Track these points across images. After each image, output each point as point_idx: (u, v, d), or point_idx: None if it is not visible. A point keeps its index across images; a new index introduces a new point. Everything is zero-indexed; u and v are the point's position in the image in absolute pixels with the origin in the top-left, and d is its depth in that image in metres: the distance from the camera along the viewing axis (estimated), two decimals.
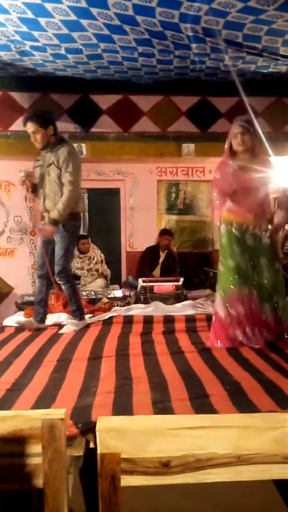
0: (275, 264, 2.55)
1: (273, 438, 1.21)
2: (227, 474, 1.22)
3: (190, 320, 3.13)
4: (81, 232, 5.45)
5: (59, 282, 2.99)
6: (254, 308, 2.47)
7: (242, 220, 2.51)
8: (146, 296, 3.93)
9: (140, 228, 5.30)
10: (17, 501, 1.38)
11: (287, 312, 2.53)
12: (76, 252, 4.89)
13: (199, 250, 5.48)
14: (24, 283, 4.82)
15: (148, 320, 3.12)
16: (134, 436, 1.20)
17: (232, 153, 2.56)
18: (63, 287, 3.02)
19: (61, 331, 2.92)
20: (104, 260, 4.96)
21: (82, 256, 4.81)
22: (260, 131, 3.97)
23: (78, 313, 3.04)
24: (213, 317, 2.55)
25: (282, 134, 4.48)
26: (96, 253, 4.89)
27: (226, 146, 2.58)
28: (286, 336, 2.49)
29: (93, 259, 4.85)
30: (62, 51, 3.42)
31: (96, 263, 4.85)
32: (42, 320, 3.09)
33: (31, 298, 3.80)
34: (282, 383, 1.79)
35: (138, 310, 3.49)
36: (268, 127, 4.38)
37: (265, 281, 2.50)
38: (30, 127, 2.84)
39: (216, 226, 2.65)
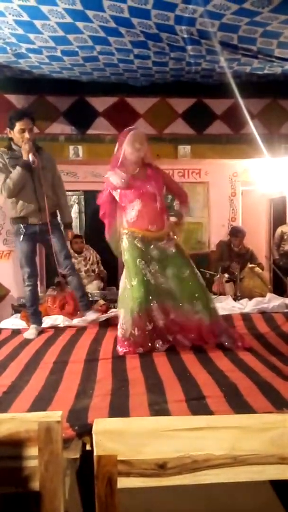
0: (183, 271, 2.50)
1: (269, 439, 1.21)
2: (223, 475, 1.22)
3: None
4: (77, 233, 5.48)
5: (70, 276, 3.12)
6: (174, 317, 2.44)
7: (145, 232, 2.48)
8: None
9: None
10: (14, 504, 1.37)
11: (207, 313, 2.47)
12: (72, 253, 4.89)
13: (195, 251, 5.49)
14: (20, 285, 4.80)
15: None
16: (130, 438, 1.20)
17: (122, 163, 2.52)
18: (73, 279, 3.13)
19: (84, 323, 3.09)
20: (100, 261, 4.96)
21: (78, 257, 4.81)
22: (255, 133, 4.01)
23: (89, 304, 3.19)
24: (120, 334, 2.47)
25: (277, 136, 4.50)
26: (91, 254, 4.89)
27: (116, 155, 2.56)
28: (219, 339, 2.44)
29: (89, 260, 4.85)
30: (58, 53, 3.43)
31: (92, 264, 4.86)
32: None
33: None
34: (278, 384, 1.80)
35: None
36: (264, 129, 4.40)
37: (180, 290, 2.46)
38: (27, 124, 2.83)
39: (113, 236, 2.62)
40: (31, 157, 2.79)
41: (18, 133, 2.83)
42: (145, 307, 2.42)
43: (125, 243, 2.51)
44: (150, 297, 2.43)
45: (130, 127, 2.64)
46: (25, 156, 2.80)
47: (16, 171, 2.81)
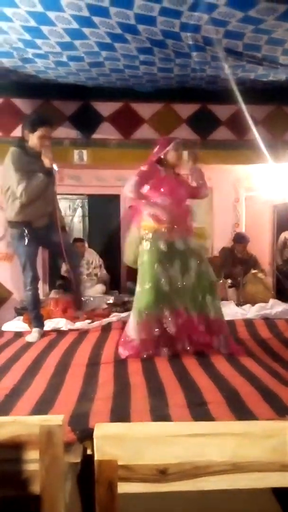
0: (202, 264, 2.54)
1: (271, 446, 1.20)
2: (224, 482, 1.22)
3: None
4: (80, 237, 5.49)
5: (79, 276, 3.26)
6: (186, 319, 2.45)
7: (170, 229, 2.51)
8: None
9: None
10: (15, 508, 1.37)
11: (214, 308, 2.50)
12: None
13: None
14: (23, 288, 4.82)
15: None
16: (131, 443, 1.20)
17: (162, 163, 2.63)
18: (79, 277, 3.24)
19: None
20: (102, 265, 4.97)
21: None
22: (259, 139, 4.02)
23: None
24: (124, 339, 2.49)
25: (281, 142, 4.51)
26: (94, 257, 4.90)
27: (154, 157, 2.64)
28: (218, 337, 2.46)
29: (92, 263, 4.86)
30: (64, 59, 3.46)
31: (94, 268, 4.86)
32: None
33: None
34: (280, 391, 1.79)
35: None
36: (268, 135, 4.41)
37: (197, 283, 2.50)
38: (49, 131, 2.90)
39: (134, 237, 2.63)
40: (55, 167, 2.83)
41: (38, 138, 2.81)
42: (155, 312, 2.41)
43: (146, 245, 2.51)
44: (161, 303, 2.42)
45: (174, 137, 2.83)
46: (48, 164, 2.79)
47: (39, 179, 2.79)
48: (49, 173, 2.82)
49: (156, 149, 2.66)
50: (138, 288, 2.51)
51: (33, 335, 2.89)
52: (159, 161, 2.62)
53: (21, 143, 2.88)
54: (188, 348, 2.44)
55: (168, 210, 2.49)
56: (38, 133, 2.81)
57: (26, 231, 2.88)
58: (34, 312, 3.03)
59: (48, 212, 2.94)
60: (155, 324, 2.42)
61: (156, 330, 2.42)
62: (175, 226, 2.51)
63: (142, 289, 2.46)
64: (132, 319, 2.48)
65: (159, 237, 2.48)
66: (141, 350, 2.39)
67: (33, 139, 2.83)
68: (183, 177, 2.76)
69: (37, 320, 3.02)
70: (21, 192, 2.74)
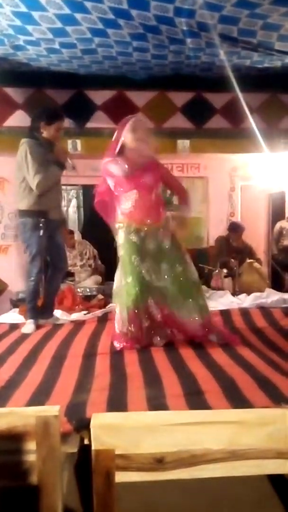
0: (176, 267, 2.45)
1: (267, 433, 1.21)
2: (221, 470, 1.23)
3: None
4: (75, 227, 5.47)
5: (60, 281, 3.18)
6: (167, 314, 2.43)
7: (141, 224, 2.42)
8: None
9: None
10: (12, 499, 1.38)
11: (198, 312, 2.44)
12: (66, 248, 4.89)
13: (194, 246, 5.48)
14: (19, 280, 4.79)
15: None
16: (128, 432, 1.20)
17: (120, 152, 2.46)
18: (59, 282, 3.17)
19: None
20: (97, 256, 4.95)
21: (72, 251, 4.80)
22: (255, 127, 3.99)
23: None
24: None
25: (276, 130, 4.48)
26: (88, 248, 4.88)
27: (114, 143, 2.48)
28: (210, 334, 2.43)
29: (86, 254, 4.84)
30: (56, 46, 3.40)
31: (88, 259, 4.84)
32: None
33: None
34: (276, 379, 1.80)
35: None
36: (263, 123, 4.38)
37: (172, 287, 2.43)
38: (63, 125, 2.96)
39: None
40: (70, 162, 2.91)
41: (55, 130, 2.87)
42: (141, 304, 2.39)
43: (120, 238, 2.48)
44: (146, 294, 2.40)
45: (131, 116, 2.58)
46: (64, 158, 2.90)
47: (55, 172, 2.87)
48: (61, 165, 2.90)
49: (114, 137, 2.49)
50: (121, 282, 2.46)
51: (29, 326, 2.88)
52: (122, 148, 2.43)
53: (35, 134, 2.88)
54: (180, 336, 2.46)
55: (136, 205, 2.41)
56: (55, 125, 2.88)
57: (42, 221, 2.89)
58: (32, 303, 3.01)
59: (60, 204, 3.01)
60: (143, 315, 2.40)
61: (144, 321, 2.40)
62: (146, 220, 2.43)
63: (125, 283, 2.43)
64: (119, 313, 2.45)
65: (131, 230, 2.43)
66: (133, 342, 2.38)
67: (50, 131, 2.87)
68: (153, 160, 2.48)
69: (34, 311, 3.01)
70: (38, 182, 2.79)
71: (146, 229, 2.44)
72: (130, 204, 2.43)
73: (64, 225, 3.22)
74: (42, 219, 2.88)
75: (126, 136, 2.42)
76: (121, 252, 2.48)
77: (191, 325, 2.44)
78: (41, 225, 2.88)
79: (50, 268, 3.08)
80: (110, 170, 2.44)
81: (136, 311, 2.39)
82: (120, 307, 2.46)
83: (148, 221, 2.45)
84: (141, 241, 2.43)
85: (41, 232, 2.89)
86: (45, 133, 2.86)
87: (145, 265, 2.41)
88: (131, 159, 2.43)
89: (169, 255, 2.46)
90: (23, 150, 2.81)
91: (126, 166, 2.41)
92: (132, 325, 2.39)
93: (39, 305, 3.09)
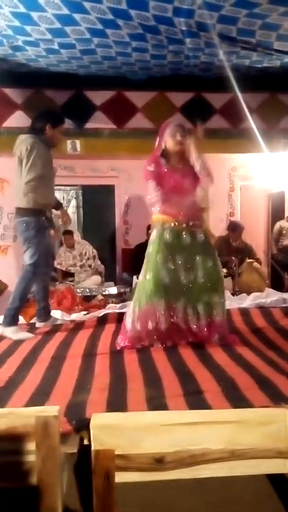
0: (208, 261, 2.46)
1: (266, 433, 1.21)
2: (221, 470, 1.23)
3: None
4: (75, 227, 5.46)
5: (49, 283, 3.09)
6: (179, 320, 2.42)
7: (176, 221, 2.45)
8: None
9: (135, 225, 5.29)
10: (12, 499, 1.37)
11: (219, 309, 2.45)
12: (65, 248, 4.89)
13: None
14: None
15: None
16: (128, 432, 1.20)
17: (165, 153, 2.52)
18: (49, 284, 3.08)
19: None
20: (96, 256, 4.96)
21: (71, 251, 4.81)
22: (254, 127, 3.99)
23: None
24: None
25: (276, 131, 4.48)
26: (87, 248, 4.88)
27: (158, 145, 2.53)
28: (216, 337, 2.41)
29: (85, 254, 4.84)
30: (55, 46, 3.40)
31: (88, 259, 4.85)
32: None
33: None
34: (276, 379, 1.80)
35: None
36: (262, 123, 4.38)
37: (201, 280, 2.43)
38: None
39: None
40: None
41: (58, 133, 2.88)
42: (152, 303, 2.39)
43: (153, 235, 2.50)
44: (160, 295, 2.40)
45: (169, 120, 2.63)
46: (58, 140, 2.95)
47: (55, 170, 2.96)
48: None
49: (156, 141, 2.56)
50: (140, 279, 2.51)
51: (24, 334, 2.72)
52: (163, 152, 2.51)
53: (40, 134, 2.82)
54: (181, 342, 2.44)
55: (173, 205, 2.45)
56: (60, 129, 2.89)
57: (45, 221, 2.83)
58: (21, 308, 2.85)
59: (53, 202, 2.94)
60: (151, 317, 2.40)
61: (150, 323, 2.40)
62: (183, 220, 2.46)
63: (144, 280, 2.46)
64: (131, 309, 2.47)
65: (165, 229, 2.46)
66: (135, 342, 2.39)
67: (56, 134, 2.88)
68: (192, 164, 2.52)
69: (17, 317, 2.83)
70: (31, 178, 2.71)
71: (181, 225, 2.46)
72: (168, 204, 2.46)
73: (53, 224, 3.10)
74: (45, 218, 2.82)
75: (168, 141, 2.49)
76: (150, 249, 2.50)
77: (208, 323, 2.44)
78: (46, 224, 2.82)
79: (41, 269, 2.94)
80: (151, 171, 2.48)
81: (147, 309, 2.40)
82: (133, 302, 2.49)
83: (184, 218, 2.47)
84: (175, 237, 2.45)
85: (47, 233, 2.84)
86: (49, 135, 2.83)
87: (167, 266, 2.42)
88: (174, 162, 2.51)
89: (202, 248, 2.48)
90: (25, 145, 2.73)
91: (165, 169, 2.48)
92: (139, 323, 2.39)
93: (34, 309, 3.04)
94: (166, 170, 2.48)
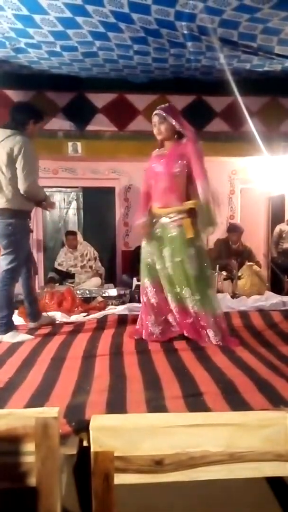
0: (177, 255, 2.44)
1: (265, 435, 1.21)
2: (220, 472, 1.23)
3: None
4: (75, 229, 5.47)
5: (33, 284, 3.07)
6: (160, 299, 2.55)
7: (156, 210, 2.52)
8: None
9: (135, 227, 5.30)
10: (11, 500, 1.37)
11: (202, 306, 2.45)
12: (67, 249, 4.89)
13: None
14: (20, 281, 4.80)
15: None
16: (127, 434, 1.20)
17: (161, 144, 2.59)
18: (33, 285, 3.07)
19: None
20: (97, 257, 4.96)
21: (73, 252, 4.81)
22: (255, 131, 4.00)
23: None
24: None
25: (276, 134, 4.49)
26: (89, 250, 4.89)
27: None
28: (205, 332, 2.46)
29: (86, 256, 4.85)
30: (57, 49, 3.41)
31: (89, 260, 4.85)
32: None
33: None
34: (275, 381, 1.80)
35: (133, 309, 3.49)
36: (263, 126, 4.39)
37: (170, 273, 2.49)
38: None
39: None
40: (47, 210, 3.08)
41: (37, 129, 2.86)
42: (143, 284, 2.62)
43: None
44: (146, 275, 2.59)
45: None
46: (51, 206, 2.97)
47: (42, 193, 2.86)
48: (43, 201, 2.89)
49: None
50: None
51: (27, 336, 2.72)
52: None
53: (22, 130, 2.75)
54: (178, 329, 2.55)
55: (154, 195, 2.52)
56: (39, 125, 2.88)
57: (30, 223, 2.83)
58: (10, 312, 2.77)
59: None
60: (143, 291, 2.62)
61: (142, 298, 2.61)
62: (159, 206, 2.51)
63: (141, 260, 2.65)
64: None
65: (152, 219, 2.55)
66: (140, 334, 2.61)
67: (35, 129, 2.85)
68: (179, 145, 2.48)
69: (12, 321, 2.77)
70: (29, 184, 2.66)
71: (158, 214, 2.51)
72: (153, 192, 2.54)
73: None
74: (29, 220, 2.80)
75: (153, 128, 2.55)
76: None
77: (182, 313, 2.51)
78: (30, 226, 2.81)
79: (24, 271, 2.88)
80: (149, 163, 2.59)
81: (144, 285, 2.60)
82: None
83: (160, 206, 2.50)
84: (154, 230, 2.54)
85: (30, 236, 2.81)
86: (29, 130, 2.78)
87: (153, 253, 2.54)
88: (159, 151, 2.58)
89: (174, 242, 2.47)
90: (18, 145, 2.63)
91: (158, 151, 2.57)
92: (142, 316, 2.61)
93: (25, 311, 3.03)
94: (152, 158, 2.57)
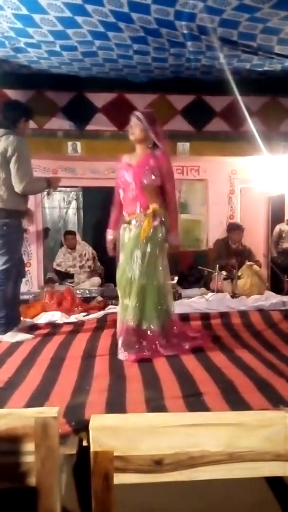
0: (127, 260, 2.39)
1: (264, 435, 1.21)
2: (219, 472, 1.23)
3: (184, 318, 3.14)
4: (75, 229, 5.47)
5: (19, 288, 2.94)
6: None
7: (125, 218, 2.49)
8: None
9: None
10: (11, 500, 1.37)
11: (140, 317, 2.33)
12: (65, 249, 4.89)
13: (193, 249, 5.49)
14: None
15: None
16: (127, 434, 1.20)
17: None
18: (19, 289, 2.90)
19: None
20: (96, 257, 4.96)
21: (72, 252, 4.80)
22: (254, 130, 3.99)
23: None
24: None
25: (276, 134, 4.49)
26: (87, 249, 4.88)
27: None
28: (154, 346, 2.28)
29: (85, 256, 4.84)
30: (57, 48, 3.40)
31: (88, 260, 4.85)
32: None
33: (26, 297, 3.79)
34: (275, 381, 1.80)
35: None
36: (263, 126, 4.39)
37: (117, 279, 2.47)
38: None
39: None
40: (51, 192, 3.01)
41: (27, 127, 2.85)
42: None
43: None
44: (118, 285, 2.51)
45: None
46: (55, 186, 2.93)
47: (42, 184, 2.82)
48: (49, 185, 2.87)
49: None
50: None
51: (27, 336, 2.71)
52: None
53: (14, 128, 2.72)
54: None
55: (125, 202, 2.49)
56: (29, 122, 2.87)
57: (23, 222, 2.82)
58: (12, 311, 2.75)
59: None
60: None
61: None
62: (125, 214, 2.49)
63: None
64: None
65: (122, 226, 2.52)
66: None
67: (26, 127, 2.85)
68: (150, 155, 2.44)
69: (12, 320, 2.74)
70: (26, 184, 2.64)
71: (125, 221, 2.48)
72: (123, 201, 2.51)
73: None
74: (22, 220, 2.78)
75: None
76: None
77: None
78: (24, 227, 2.79)
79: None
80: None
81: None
82: None
83: (126, 214, 2.47)
84: (122, 235, 2.50)
85: (23, 235, 2.81)
86: (21, 128, 2.76)
87: (122, 262, 2.47)
88: (132, 156, 2.53)
89: (126, 248, 2.44)
90: (11, 146, 2.61)
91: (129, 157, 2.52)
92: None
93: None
94: (121, 168, 2.52)
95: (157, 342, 2.29)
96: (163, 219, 2.44)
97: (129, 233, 2.44)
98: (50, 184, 2.84)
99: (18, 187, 2.64)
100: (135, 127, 2.45)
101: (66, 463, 1.43)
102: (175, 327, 2.43)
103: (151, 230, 2.36)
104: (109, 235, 2.65)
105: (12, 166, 2.62)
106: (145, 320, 2.32)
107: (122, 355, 2.23)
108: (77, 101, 4.30)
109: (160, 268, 2.40)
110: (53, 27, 3.00)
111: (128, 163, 2.50)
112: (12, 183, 2.64)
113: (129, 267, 2.36)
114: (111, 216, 2.65)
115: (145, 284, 2.34)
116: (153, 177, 2.40)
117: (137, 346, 2.25)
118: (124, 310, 2.38)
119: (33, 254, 5.12)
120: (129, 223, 2.46)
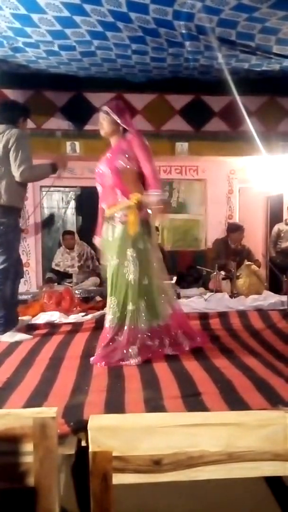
0: (113, 258, 2.28)
1: (263, 435, 1.21)
2: (218, 472, 1.23)
3: None
4: (74, 229, 5.46)
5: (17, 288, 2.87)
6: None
7: (105, 213, 2.37)
8: None
9: None
10: (9, 500, 1.37)
11: (134, 318, 2.22)
12: (64, 249, 4.88)
13: (192, 248, 5.49)
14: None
15: None
16: (125, 434, 1.20)
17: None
18: (17, 289, 2.84)
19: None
20: (95, 257, 4.95)
21: (70, 252, 4.80)
22: (253, 130, 4.00)
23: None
24: None
25: (275, 134, 4.50)
26: (85, 249, 4.88)
27: None
28: (125, 352, 2.15)
29: (83, 255, 4.84)
30: (55, 48, 3.40)
31: (86, 260, 4.84)
32: None
33: (24, 297, 3.78)
34: (273, 381, 1.80)
35: None
36: (261, 126, 4.39)
37: (113, 278, 2.29)
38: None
39: None
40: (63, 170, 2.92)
41: (25, 126, 2.85)
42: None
43: None
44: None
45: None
46: (63, 165, 2.87)
47: (45, 169, 2.75)
48: (54, 168, 2.83)
49: None
50: None
51: (19, 336, 2.69)
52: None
53: (14, 127, 2.70)
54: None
55: (103, 194, 2.38)
56: (27, 122, 2.88)
57: (19, 220, 2.79)
58: (13, 310, 2.76)
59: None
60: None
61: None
62: (105, 207, 2.38)
63: None
64: None
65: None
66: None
67: (25, 126, 2.85)
68: (121, 142, 2.33)
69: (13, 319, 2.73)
70: (23, 170, 2.59)
71: (106, 217, 2.37)
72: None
73: None
74: (19, 219, 2.76)
75: None
76: None
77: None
78: (21, 225, 2.74)
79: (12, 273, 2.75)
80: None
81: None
82: None
83: (106, 207, 2.37)
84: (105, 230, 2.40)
85: (22, 234, 2.76)
86: (21, 127, 2.75)
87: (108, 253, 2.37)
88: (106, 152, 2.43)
89: (112, 246, 2.31)
90: (14, 136, 2.59)
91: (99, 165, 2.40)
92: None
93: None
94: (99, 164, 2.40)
95: (157, 342, 2.27)
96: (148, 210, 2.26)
97: (113, 231, 2.30)
98: (56, 167, 2.76)
99: (16, 173, 2.59)
100: (103, 122, 2.35)
101: (65, 463, 1.43)
102: (174, 328, 2.38)
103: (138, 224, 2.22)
104: (98, 242, 2.55)
105: (11, 155, 2.59)
106: (145, 320, 2.25)
107: (133, 361, 2.12)
108: (76, 101, 4.30)
109: (155, 264, 2.32)
110: (52, 26, 3.00)
111: (104, 157, 2.40)
112: (10, 177, 2.60)
113: (126, 269, 2.23)
114: (98, 222, 2.53)
115: (147, 284, 2.27)
116: (127, 159, 2.26)
117: (140, 347, 2.19)
118: (129, 314, 2.23)
119: (31, 254, 5.12)
120: (111, 218, 2.31)
